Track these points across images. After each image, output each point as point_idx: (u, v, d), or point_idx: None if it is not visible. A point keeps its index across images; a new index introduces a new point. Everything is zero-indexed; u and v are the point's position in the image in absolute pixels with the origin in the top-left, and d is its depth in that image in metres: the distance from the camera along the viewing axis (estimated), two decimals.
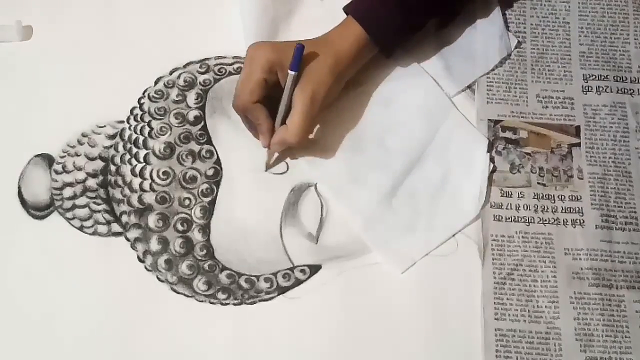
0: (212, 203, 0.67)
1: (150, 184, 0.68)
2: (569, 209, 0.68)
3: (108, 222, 0.67)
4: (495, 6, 0.76)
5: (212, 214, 0.67)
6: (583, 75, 0.74)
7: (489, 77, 0.73)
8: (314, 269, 0.65)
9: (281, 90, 0.66)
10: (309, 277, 0.65)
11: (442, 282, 0.65)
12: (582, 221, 0.67)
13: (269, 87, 0.65)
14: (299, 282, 0.65)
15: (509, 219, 0.67)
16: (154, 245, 0.66)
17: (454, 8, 0.73)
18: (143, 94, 0.72)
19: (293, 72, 0.64)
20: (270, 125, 0.67)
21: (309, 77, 0.65)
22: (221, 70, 0.73)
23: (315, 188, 0.68)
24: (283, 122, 0.66)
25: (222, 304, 0.64)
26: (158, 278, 0.65)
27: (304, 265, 0.66)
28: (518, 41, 0.75)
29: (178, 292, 0.64)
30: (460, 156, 0.70)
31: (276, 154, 0.69)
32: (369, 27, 0.67)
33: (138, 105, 0.71)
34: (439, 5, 0.70)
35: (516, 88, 0.73)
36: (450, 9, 0.73)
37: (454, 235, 0.67)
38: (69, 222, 0.67)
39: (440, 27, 0.74)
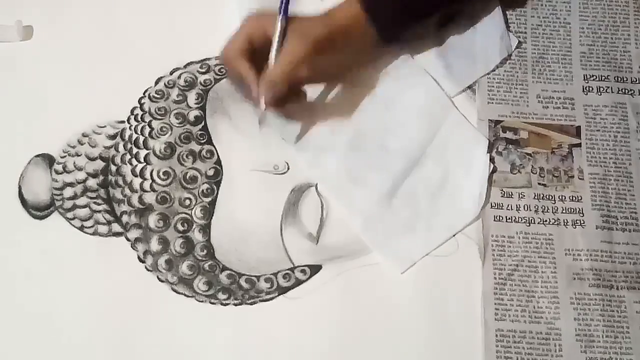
0: (213, 203, 0.67)
1: (151, 184, 0.68)
2: (569, 210, 0.68)
3: (108, 222, 0.67)
4: (496, 6, 0.76)
5: (213, 214, 0.67)
6: (584, 75, 0.74)
7: (489, 78, 0.73)
8: (314, 269, 0.65)
9: (265, 59, 0.64)
10: (309, 277, 0.65)
11: (442, 282, 0.65)
12: (582, 222, 0.67)
13: (254, 48, 0.64)
14: (299, 282, 0.65)
15: (509, 219, 0.67)
16: (155, 246, 0.66)
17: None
18: (144, 94, 0.72)
19: (282, 16, 0.64)
20: (256, 75, 0.64)
21: (300, 22, 0.64)
22: (222, 70, 0.73)
23: (316, 188, 0.68)
24: None
25: (222, 304, 0.64)
26: (158, 278, 0.65)
27: (304, 266, 0.66)
28: (519, 41, 0.75)
29: (178, 292, 0.64)
30: (460, 156, 0.69)
31: (265, 109, 0.65)
32: (368, 4, 0.65)
33: (138, 105, 0.71)
34: None
35: (517, 88, 0.73)
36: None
37: (454, 236, 0.67)
38: (70, 222, 0.67)
39: (440, 26, 0.74)
